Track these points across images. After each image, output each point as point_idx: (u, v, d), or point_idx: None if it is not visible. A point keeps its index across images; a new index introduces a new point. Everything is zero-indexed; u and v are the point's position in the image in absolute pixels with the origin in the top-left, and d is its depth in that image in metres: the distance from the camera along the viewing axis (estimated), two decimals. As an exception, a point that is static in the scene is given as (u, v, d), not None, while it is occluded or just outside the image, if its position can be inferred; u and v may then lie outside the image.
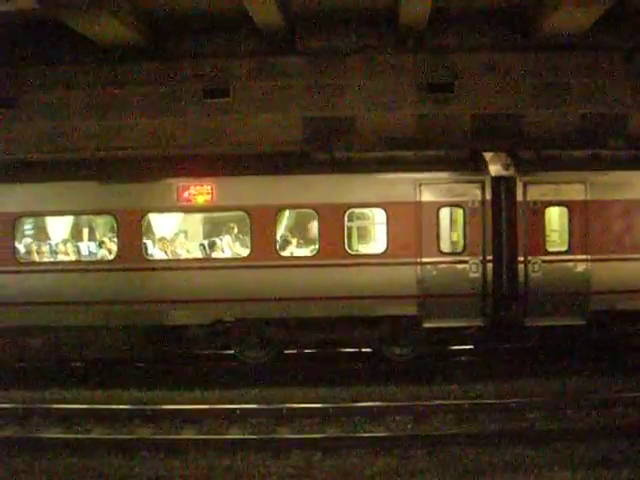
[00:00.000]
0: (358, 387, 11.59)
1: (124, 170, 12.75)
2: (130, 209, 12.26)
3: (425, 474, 8.22)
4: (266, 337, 12.57)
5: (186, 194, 12.27)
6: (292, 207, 12.61)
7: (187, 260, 12.72)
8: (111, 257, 12.59)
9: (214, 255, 12.80)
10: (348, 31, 15.35)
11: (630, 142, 14.11)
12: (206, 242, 13.06)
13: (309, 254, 12.58)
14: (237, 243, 13.14)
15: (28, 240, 13.11)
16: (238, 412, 10.33)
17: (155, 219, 12.80)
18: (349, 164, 12.57)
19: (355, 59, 15.36)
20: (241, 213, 12.46)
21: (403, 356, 12.76)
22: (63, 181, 12.49)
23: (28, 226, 13.27)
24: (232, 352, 12.91)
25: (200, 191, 12.27)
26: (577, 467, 8.20)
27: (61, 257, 12.92)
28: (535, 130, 15.33)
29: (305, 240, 13.03)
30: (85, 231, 13.74)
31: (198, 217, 13.55)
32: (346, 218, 12.22)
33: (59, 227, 13.27)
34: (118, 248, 12.38)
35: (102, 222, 13.58)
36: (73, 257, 12.96)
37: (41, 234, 13.37)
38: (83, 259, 13.05)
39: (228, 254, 12.88)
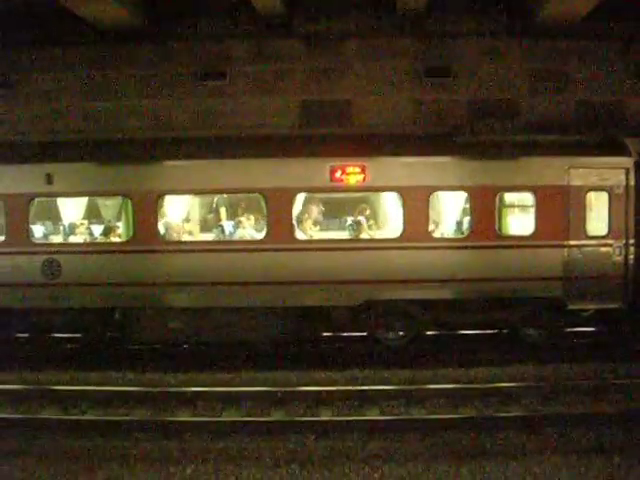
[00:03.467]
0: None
1: (273, 148, 12.57)
2: (280, 188, 12.15)
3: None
4: (410, 319, 12.60)
5: (338, 174, 12.18)
6: (444, 189, 12.49)
7: (336, 241, 12.66)
8: (257, 237, 12.53)
9: (362, 236, 12.73)
10: (346, 15, 15.26)
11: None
12: (354, 223, 12.93)
13: (460, 236, 12.57)
14: (386, 224, 13.09)
15: (167, 219, 12.97)
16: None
17: (305, 199, 12.72)
18: (495, 147, 12.52)
19: (353, 43, 15.26)
20: (393, 194, 12.42)
21: (539, 337, 12.78)
22: (205, 159, 12.40)
23: (168, 204, 13.01)
24: (365, 333, 12.88)
25: (353, 171, 12.16)
26: None
27: (199, 237, 12.93)
28: (532, 116, 15.37)
29: (456, 222, 12.94)
30: (222, 210, 13.42)
31: (348, 197, 13.24)
32: (497, 200, 12.24)
33: (198, 206, 13.25)
34: (267, 228, 12.28)
35: (243, 201, 13.28)
36: (212, 237, 12.90)
37: (178, 213, 13.23)
38: (223, 239, 12.80)
39: (377, 235, 12.84)
